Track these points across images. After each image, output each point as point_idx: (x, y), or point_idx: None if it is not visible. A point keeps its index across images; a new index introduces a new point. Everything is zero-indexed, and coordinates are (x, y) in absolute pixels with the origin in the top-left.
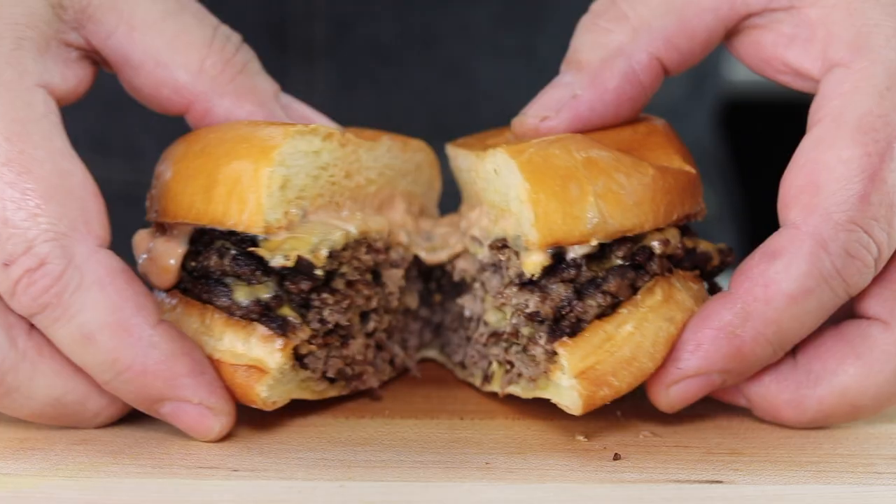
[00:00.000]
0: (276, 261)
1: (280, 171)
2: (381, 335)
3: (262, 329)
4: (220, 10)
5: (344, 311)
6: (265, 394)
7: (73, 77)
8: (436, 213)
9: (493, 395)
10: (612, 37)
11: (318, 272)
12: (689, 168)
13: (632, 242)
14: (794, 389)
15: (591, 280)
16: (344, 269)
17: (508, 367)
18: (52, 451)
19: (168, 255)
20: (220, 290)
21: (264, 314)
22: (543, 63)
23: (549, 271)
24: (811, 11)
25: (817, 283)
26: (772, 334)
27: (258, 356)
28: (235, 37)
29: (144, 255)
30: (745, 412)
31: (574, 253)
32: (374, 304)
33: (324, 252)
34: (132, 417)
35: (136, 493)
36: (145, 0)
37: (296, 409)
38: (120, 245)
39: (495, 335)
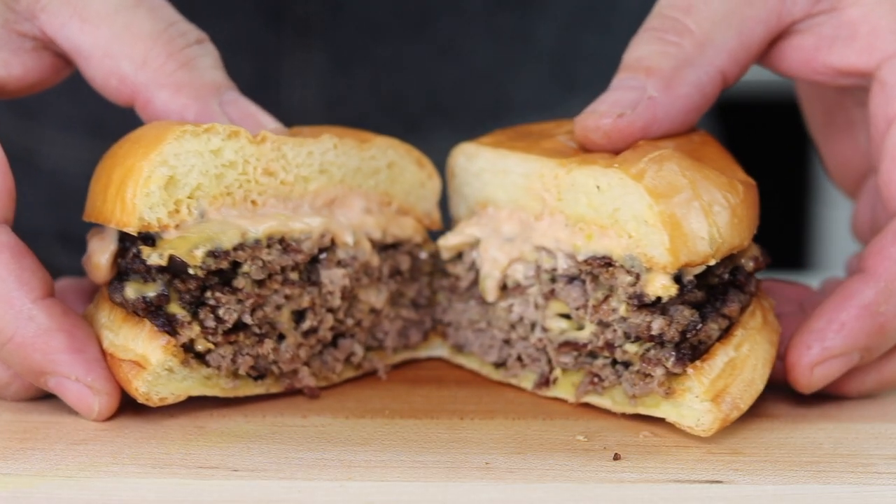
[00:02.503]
0: (152, 259)
1: (162, 170)
2: (326, 334)
3: (149, 326)
4: None
5: (251, 309)
6: (143, 389)
7: (19, 65)
8: (435, 213)
9: (493, 394)
10: (681, 49)
11: (194, 271)
12: (751, 179)
13: (728, 261)
14: None
15: (708, 302)
16: (246, 267)
17: (594, 378)
18: (52, 451)
19: (100, 252)
20: (116, 285)
21: (150, 310)
22: (538, 45)
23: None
24: (852, 11)
25: None
26: None
27: (143, 352)
28: (194, 34)
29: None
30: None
31: (689, 274)
32: (305, 303)
33: (199, 252)
34: (132, 418)
35: (135, 492)
36: None
37: (296, 410)
38: None
39: (569, 345)
